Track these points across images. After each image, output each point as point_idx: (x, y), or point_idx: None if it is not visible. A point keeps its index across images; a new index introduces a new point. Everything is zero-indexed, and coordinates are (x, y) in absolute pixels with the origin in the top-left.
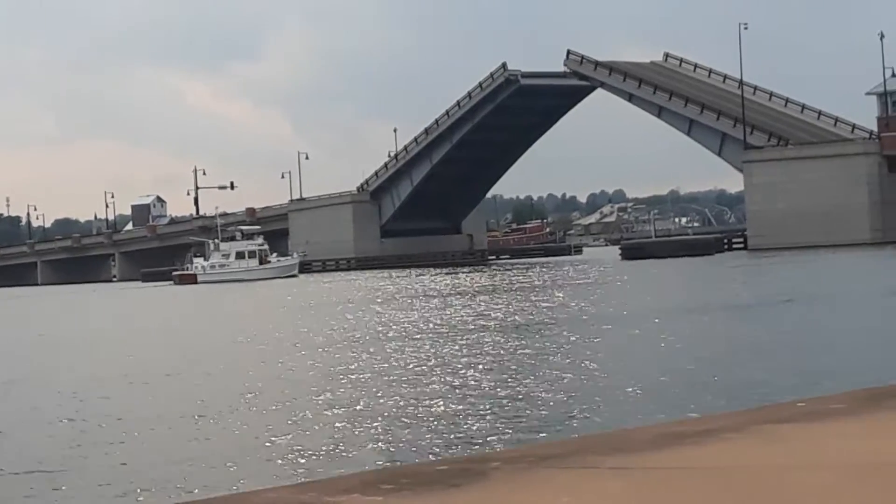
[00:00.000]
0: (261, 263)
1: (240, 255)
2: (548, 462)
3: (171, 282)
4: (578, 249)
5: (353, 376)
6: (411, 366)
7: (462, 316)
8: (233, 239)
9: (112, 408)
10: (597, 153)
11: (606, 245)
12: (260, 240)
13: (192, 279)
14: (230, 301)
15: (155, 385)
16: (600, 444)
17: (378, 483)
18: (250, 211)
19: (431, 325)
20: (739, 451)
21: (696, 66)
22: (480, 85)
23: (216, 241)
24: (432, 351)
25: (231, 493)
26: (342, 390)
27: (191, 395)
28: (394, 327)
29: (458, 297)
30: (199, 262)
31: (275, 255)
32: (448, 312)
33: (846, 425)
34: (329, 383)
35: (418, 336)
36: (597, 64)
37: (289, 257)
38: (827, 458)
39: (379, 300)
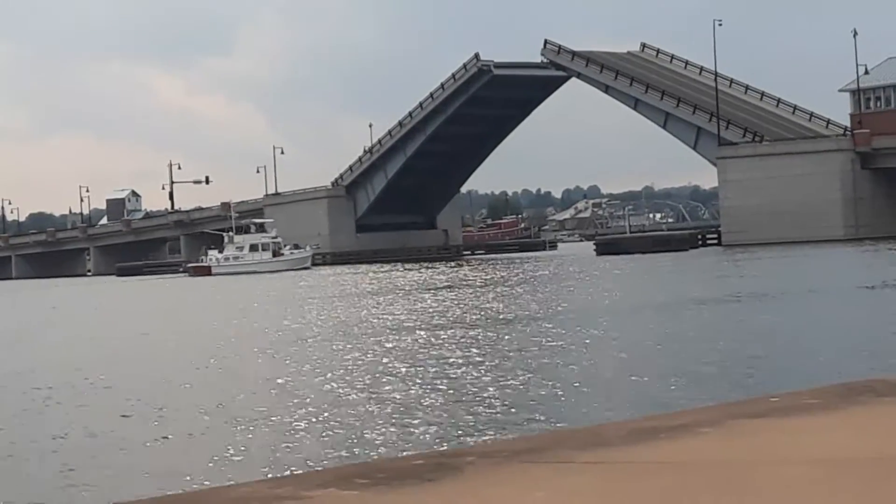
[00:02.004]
0: (274, 256)
1: (253, 248)
2: (522, 456)
3: (186, 273)
4: (553, 245)
5: (332, 370)
6: (386, 360)
7: (440, 310)
8: (247, 231)
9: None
10: (572, 149)
11: (581, 240)
12: (273, 232)
13: (206, 271)
14: (246, 292)
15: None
16: (574, 439)
17: (353, 477)
18: (225, 206)
19: (412, 320)
20: (713, 446)
21: (672, 57)
22: (454, 76)
23: (230, 233)
24: (409, 345)
25: (205, 487)
26: (320, 385)
27: (186, 386)
28: (378, 321)
29: (443, 291)
30: (213, 254)
31: (287, 247)
32: (428, 306)
33: (820, 420)
34: (306, 378)
35: (395, 330)
36: (574, 54)
37: (302, 250)
38: (801, 452)
39: (369, 293)
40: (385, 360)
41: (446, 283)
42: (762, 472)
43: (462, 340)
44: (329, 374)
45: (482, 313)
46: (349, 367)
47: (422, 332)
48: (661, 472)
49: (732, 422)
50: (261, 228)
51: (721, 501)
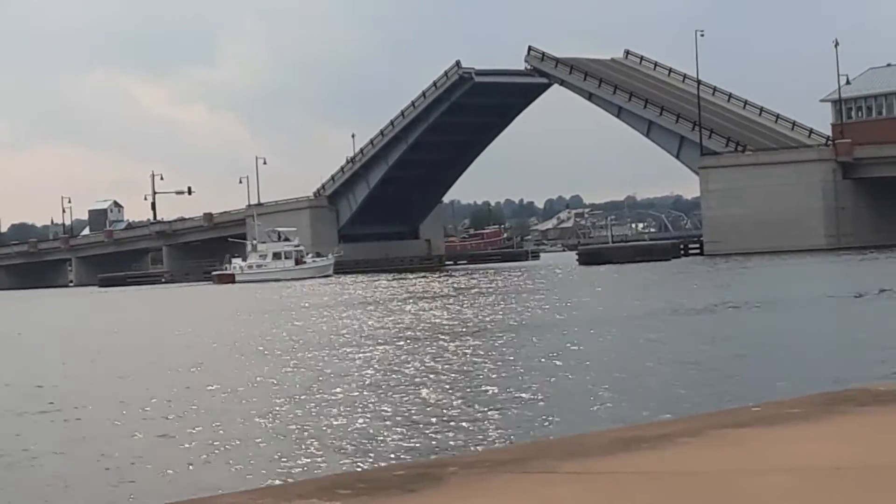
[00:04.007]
0: (297, 264)
1: (276, 256)
2: (505, 467)
3: (211, 281)
4: (536, 255)
5: (317, 380)
6: (369, 371)
7: (422, 320)
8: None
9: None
10: (554, 158)
11: (564, 250)
12: (296, 241)
13: (230, 279)
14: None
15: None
16: (557, 449)
17: (335, 488)
18: (208, 216)
19: (391, 330)
20: (696, 456)
21: (656, 64)
22: (435, 84)
23: (254, 241)
24: (391, 356)
25: (185, 499)
26: (302, 395)
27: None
28: (370, 331)
29: (422, 302)
30: (237, 262)
31: (310, 255)
32: (409, 317)
33: (802, 430)
34: (292, 388)
35: (375, 341)
36: (557, 61)
37: (324, 258)
38: (783, 462)
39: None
40: (362, 371)
41: (433, 294)
42: (744, 482)
43: (439, 352)
44: (309, 384)
45: (471, 323)
46: (328, 378)
47: (401, 343)
48: (644, 482)
49: (714, 431)
50: (284, 237)
51: None
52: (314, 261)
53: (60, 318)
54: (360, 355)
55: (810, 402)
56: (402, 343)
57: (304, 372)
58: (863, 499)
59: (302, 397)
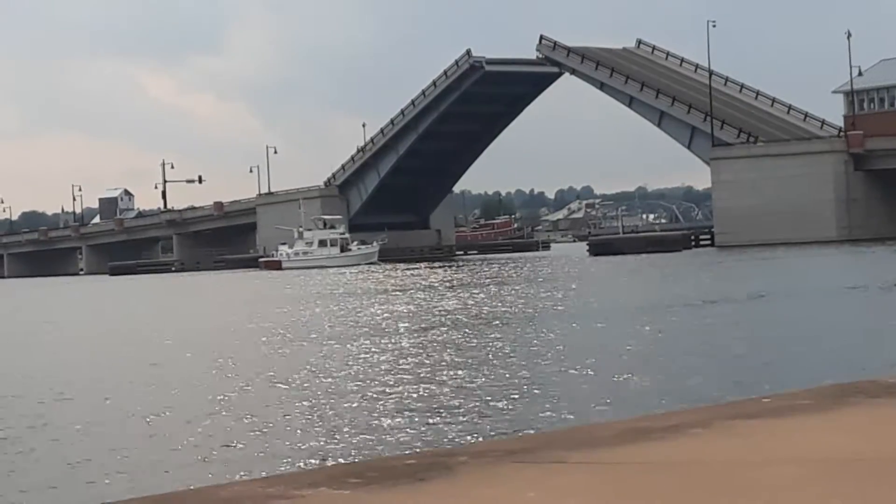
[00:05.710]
0: (342, 251)
1: (322, 243)
2: (514, 456)
3: (258, 268)
4: (546, 245)
5: (323, 370)
6: (380, 361)
7: (436, 310)
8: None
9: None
10: (565, 149)
11: (574, 241)
12: (342, 228)
13: (277, 265)
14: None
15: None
16: (567, 439)
17: (345, 477)
18: (218, 205)
19: (404, 320)
20: (705, 447)
21: (668, 54)
22: (445, 73)
23: (300, 228)
24: (400, 345)
25: (197, 486)
26: (311, 384)
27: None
28: (371, 321)
29: (441, 290)
30: (283, 248)
31: (355, 243)
32: (424, 307)
33: (812, 421)
34: (298, 377)
35: (388, 331)
36: (569, 50)
37: (369, 245)
38: (793, 453)
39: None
40: (373, 361)
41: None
42: (753, 473)
43: (450, 341)
44: (314, 375)
45: (469, 314)
46: (355, 365)
47: (412, 333)
48: (653, 473)
49: (724, 422)
50: (330, 225)
51: (712, 501)
52: (359, 248)
53: (167, 307)
54: (372, 345)
55: (820, 394)
56: (410, 333)
57: (343, 359)
58: (872, 490)
59: (321, 385)
